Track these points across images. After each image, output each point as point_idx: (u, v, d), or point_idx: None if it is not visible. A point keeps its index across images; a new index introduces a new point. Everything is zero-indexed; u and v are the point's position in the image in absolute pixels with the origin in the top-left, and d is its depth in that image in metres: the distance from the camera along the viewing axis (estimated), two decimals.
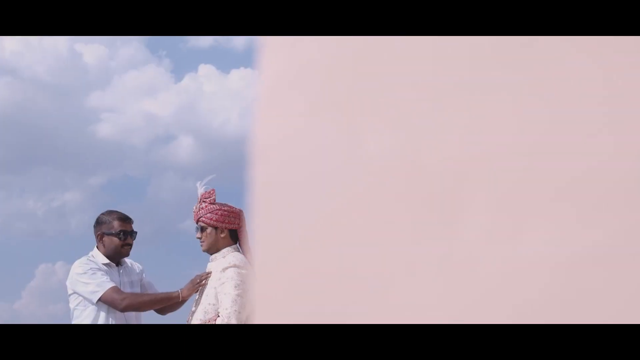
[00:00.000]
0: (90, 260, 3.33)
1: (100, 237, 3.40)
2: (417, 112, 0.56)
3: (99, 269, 3.29)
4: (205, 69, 15.29)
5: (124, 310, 3.23)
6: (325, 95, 0.61)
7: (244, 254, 3.11)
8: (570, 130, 0.50)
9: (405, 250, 0.56)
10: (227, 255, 3.07)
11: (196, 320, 3.01)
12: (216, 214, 3.09)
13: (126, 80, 15.02)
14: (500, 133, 0.53)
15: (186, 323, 3.10)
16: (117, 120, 14.53)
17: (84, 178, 15.41)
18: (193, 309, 3.13)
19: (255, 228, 0.65)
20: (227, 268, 3.00)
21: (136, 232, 3.46)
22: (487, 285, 0.52)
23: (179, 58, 15.52)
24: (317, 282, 0.60)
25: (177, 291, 3.26)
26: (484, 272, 0.52)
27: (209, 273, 3.12)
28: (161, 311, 3.46)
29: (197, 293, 3.16)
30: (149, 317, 3.49)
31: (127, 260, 3.50)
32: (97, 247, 3.43)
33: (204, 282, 3.11)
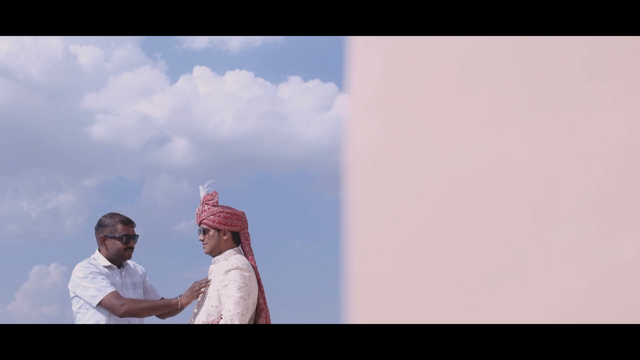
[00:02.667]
0: (91, 264, 3.32)
1: (102, 240, 3.39)
2: (510, 119, 0.57)
3: (100, 273, 3.28)
4: (200, 71, 15.32)
5: (122, 316, 3.22)
6: (418, 101, 0.62)
7: (245, 256, 3.11)
8: None
9: (498, 254, 0.57)
10: (230, 258, 3.07)
11: (199, 322, 3.01)
12: (219, 216, 3.09)
13: (121, 81, 15.04)
14: (592, 138, 0.54)
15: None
16: (112, 122, 14.56)
17: (78, 180, 15.45)
18: (195, 310, 3.13)
19: (351, 235, 0.66)
20: (229, 270, 3.00)
21: (138, 236, 3.46)
22: (579, 288, 0.54)
23: (173, 60, 15.56)
24: (412, 286, 0.62)
25: (176, 298, 3.26)
26: (577, 275, 0.54)
27: (208, 280, 3.12)
28: (160, 316, 3.45)
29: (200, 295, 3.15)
30: (153, 318, 3.49)
31: (130, 262, 3.50)
32: (98, 249, 3.42)
33: (203, 289, 3.10)
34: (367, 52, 0.65)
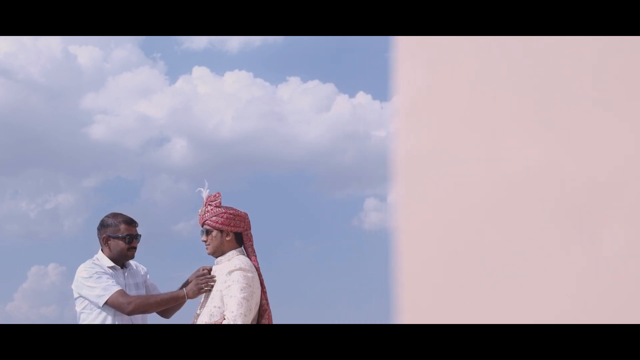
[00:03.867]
0: (95, 264, 3.32)
1: (105, 240, 3.38)
2: (559, 125, 0.57)
3: (104, 273, 3.28)
4: (199, 71, 15.32)
5: (130, 313, 3.21)
6: (466, 106, 0.62)
7: (248, 257, 3.11)
8: None
9: (545, 262, 0.57)
10: (233, 259, 3.07)
11: (201, 322, 3.01)
12: (221, 217, 3.09)
13: (120, 82, 15.04)
14: (633, 141, 0.53)
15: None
16: (111, 122, 14.56)
17: (78, 180, 15.47)
18: (198, 311, 3.13)
19: (400, 240, 0.66)
20: (232, 271, 2.99)
21: (140, 235, 3.46)
22: (627, 295, 0.53)
23: (173, 60, 15.58)
24: (460, 290, 0.62)
25: (183, 290, 3.24)
26: (624, 284, 0.53)
27: (211, 268, 3.13)
28: (165, 314, 3.45)
29: (202, 295, 3.16)
30: (156, 318, 3.49)
31: (132, 262, 3.49)
32: (101, 250, 3.41)
33: (209, 285, 3.11)
34: (412, 54, 0.65)
